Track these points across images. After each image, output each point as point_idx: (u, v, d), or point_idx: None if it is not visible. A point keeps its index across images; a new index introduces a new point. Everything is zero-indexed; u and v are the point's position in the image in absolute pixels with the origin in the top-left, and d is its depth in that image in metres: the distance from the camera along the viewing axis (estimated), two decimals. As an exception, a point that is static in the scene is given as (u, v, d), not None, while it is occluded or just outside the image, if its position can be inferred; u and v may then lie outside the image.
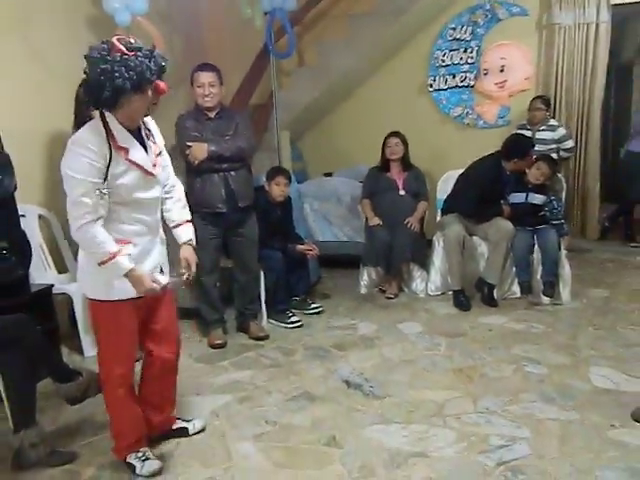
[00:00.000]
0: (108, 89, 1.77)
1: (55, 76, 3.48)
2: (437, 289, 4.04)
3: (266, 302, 3.65)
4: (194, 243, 2.24)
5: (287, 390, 2.75)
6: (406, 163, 4.17)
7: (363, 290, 4.16)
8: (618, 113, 7.02)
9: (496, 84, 5.07)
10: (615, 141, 6.74)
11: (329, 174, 5.31)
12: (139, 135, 1.99)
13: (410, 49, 5.32)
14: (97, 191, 1.82)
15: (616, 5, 4.71)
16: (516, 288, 3.85)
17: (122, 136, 1.90)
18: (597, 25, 4.74)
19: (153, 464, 2.12)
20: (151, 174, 1.98)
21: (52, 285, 3.13)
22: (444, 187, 4.35)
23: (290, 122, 5.06)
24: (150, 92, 1.87)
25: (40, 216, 3.36)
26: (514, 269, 3.81)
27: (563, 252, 3.76)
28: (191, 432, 2.37)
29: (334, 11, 5.36)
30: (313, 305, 3.81)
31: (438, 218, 4.22)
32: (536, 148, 4.00)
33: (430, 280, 4.05)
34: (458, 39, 5.15)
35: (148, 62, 1.81)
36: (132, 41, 1.83)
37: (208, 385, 2.85)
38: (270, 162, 4.14)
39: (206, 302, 3.38)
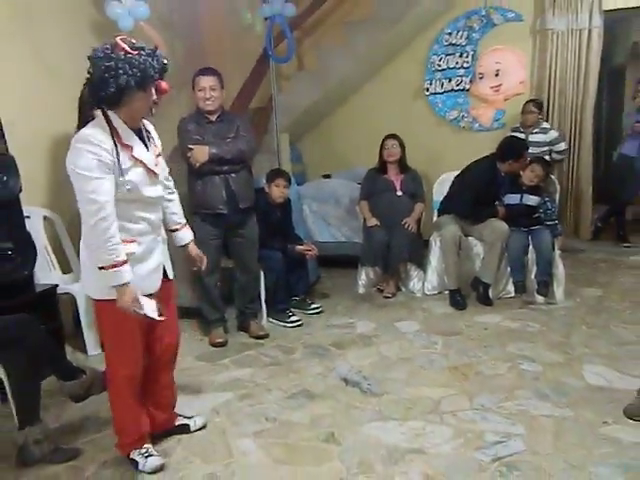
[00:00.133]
0: (112, 86, 1.77)
1: (59, 79, 3.48)
2: (434, 288, 4.04)
3: (266, 301, 3.65)
4: None
5: (287, 388, 2.75)
6: (403, 165, 4.17)
7: (361, 290, 4.15)
8: (610, 116, 7.02)
9: (491, 88, 5.07)
10: (607, 144, 6.74)
11: (328, 176, 5.31)
12: (140, 135, 1.99)
13: (407, 54, 5.32)
14: (107, 186, 1.80)
15: (608, 11, 4.71)
16: (511, 287, 3.85)
17: (126, 134, 1.90)
18: (589, 30, 4.74)
19: (155, 460, 2.11)
20: (154, 172, 1.98)
21: (56, 285, 3.13)
22: (440, 189, 4.35)
23: (289, 125, 5.05)
24: (153, 91, 1.87)
25: (45, 217, 3.35)
26: (509, 269, 3.81)
27: (557, 252, 3.76)
28: (192, 429, 2.37)
29: (333, 17, 5.36)
30: (313, 305, 3.81)
31: (434, 219, 4.22)
32: (529, 151, 4.00)
33: (427, 280, 4.04)
34: (454, 44, 5.15)
35: (151, 60, 1.81)
36: (134, 41, 1.83)
37: (209, 383, 2.85)
38: (270, 164, 4.14)
39: (207, 301, 3.38)
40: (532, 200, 3.84)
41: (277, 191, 3.63)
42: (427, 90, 5.31)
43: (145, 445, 2.15)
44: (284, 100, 4.84)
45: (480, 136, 5.13)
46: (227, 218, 3.20)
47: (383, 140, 4.16)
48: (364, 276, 4.15)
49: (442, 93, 5.27)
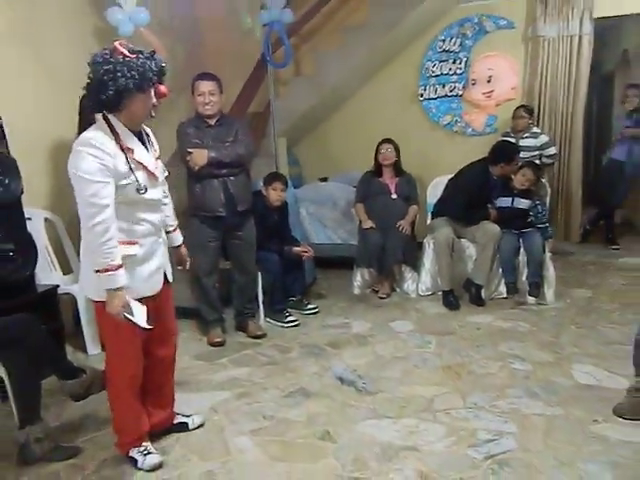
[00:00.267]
0: (111, 88, 1.77)
1: (61, 84, 3.47)
2: (427, 289, 4.04)
3: (263, 302, 3.65)
4: None
5: (283, 386, 2.74)
6: (398, 168, 4.18)
7: (357, 290, 4.15)
8: (600, 121, 7.05)
9: (484, 94, 5.08)
10: (597, 148, 6.76)
11: (324, 179, 5.31)
12: (141, 138, 1.99)
13: (401, 60, 5.33)
14: (108, 189, 1.80)
15: (598, 18, 4.73)
16: (503, 288, 3.86)
17: (127, 137, 1.90)
18: (580, 37, 4.75)
19: (154, 458, 2.11)
20: (154, 174, 1.98)
21: (57, 285, 3.12)
22: (434, 192, 4.35)
23: (287, 129, 5.05)
24: (152, 93, 1.87)
25: (46, 219, 3.34)
26: (501, 270, 3.82)
27: (547, 254, 3.77)
28: (190, 427, 2.37)
29: (329, 24, 5.36)
30: (309, 306, 3.81)
31: (428, 221, 4.22)
32: (520, 155, 4.01)
33: (421, 281, 4.05)
34: (447, 50, 5.16)
35: (149, 63, 1.81)
36: (132, 46, 1.83)
37: (207, 382, 2.84)
38: (268, 168, 4.14)
39: (206, 302, 3.37)
40: (523, 203, 3.85)
41: (274, 194, 3.63)
42: (421, 95, 5.32)
43: (144, 443, 2.14)
44: (282, 105, 4.83)
45: (473, 140, 5.14)
46: (225, 220, 3.20)
47: (378, 144, 4.17)
48: (359, 277, 4.15)
49: (436, 98, 5.28)
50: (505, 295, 3.84)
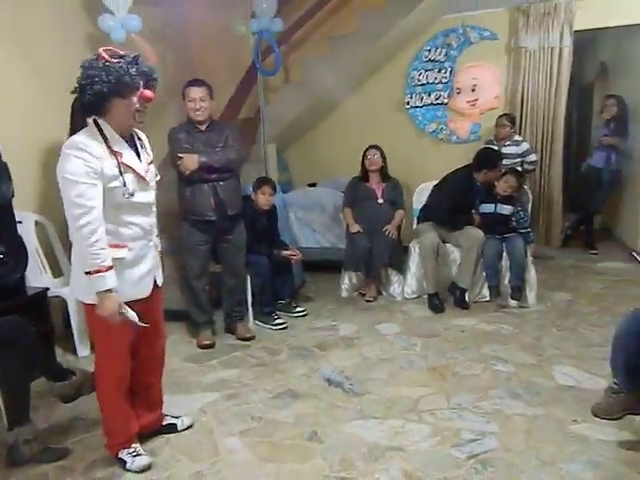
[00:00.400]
0: (89, 92, 1.78)
1: (52, 89, 3.43)
2: (413, 293, 4.05)
3: (252, 305, 3.63)
4: None
5: (272, 388, 2.73)
6: (384, 174, 4.19)
7: (344, 293, 4.16)
8: (580, 130, 7.14)
9: (468, 102, 5.13)
10: (577, 156, 6.84)
11: (313, 184, 5.31)
12: (132, 143, 1.97)
13: (388, 69, 5.35)
14: (94, 191, 1.79)
15: (578, 31, 4.79)
16: (486, 292, 3.88)
17: (115, 141, 1.89)
18: (560, 49, 4.81)
19: (143, 459, 2.09)
20: (144, 178, 1.96)
21: (47, 288, 3.08)
22: (419, 197, 4.38)
23: (276, 135, 5.05)
24: (135, 98, 1.85)
25: (36, 222, 3.30)
26: (484, 274, 3.84)
27: (529, 259, 3.80)
28: (180, 428, 2.35)
29: (318, 33, 5.37)
30: (298, 308, 3.79)
31: (414, 226, 4.24)
32: (503, 162, 4.05)
33: (407, 284, 4.06)
34: (433, 60, 5.20)
35: (129, 68, 1.80)
36: (120, 52, 1.83)
37: (197, 383, 2.82)
38: (257, 173, 4.12)
39: (196, 305, 3.35)
40: (506, 209, 3.88)
41: (263, 198, 3.62)
42: (407, 104, 5.35)
43: (133, 445, 2.12)
44: (271, 111, 4.83)
45: (457, 148, 5.17)
46: (215, 224, 3.19)
47: (365, 150, 4.18)
48: (347, 280, 4.15)
49: (422, 107, 5.32)
50: (488, 298, 3.87)
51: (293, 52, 5.47)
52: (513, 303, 3.73)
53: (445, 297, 3.87)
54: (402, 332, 3.41)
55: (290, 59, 5.45)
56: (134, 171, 1.92)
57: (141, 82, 1.86)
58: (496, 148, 4.46)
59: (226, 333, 3.49)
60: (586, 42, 5.75)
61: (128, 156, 1.91)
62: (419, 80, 5.28)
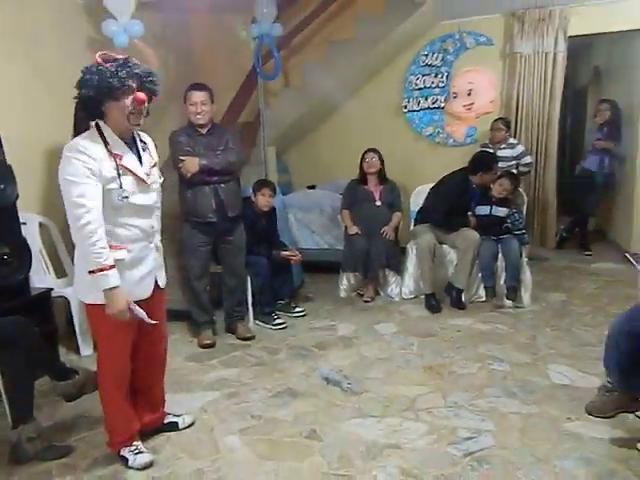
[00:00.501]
0: (84, 97, 1.80)
1: (56, 93, 3.43)
2: (410, 293, 4.06)
3: (253, 305, 3.63)
4: None
5: (271, 387, 2.73)
6: (382, 177, 4.20)
7: (342, 294, 4.16)
8: (574, 134, 7.15)
9: (464, 106, 5.14)
10: (571, 159, 6.85)
11: (312, 187, 5.32)
12: (134, 146, 1.97)
13: (386, 73, 5.37)
14: (95, 192, 1.79)
15: (572, 36, 4.81)
16: (482, 292, 3.88)
17: (116, 144, 1.89)
18: (555, 54, 4.83)
19: (145, 457, 2.09)
20: (144, 181, 1.96)
21: (51, 289, 3.08)
22: (416, 200, 4.38)
23: (276, 138, 5.06)
24: (127, 101, 1.84)
25: (40, 224, 3.31)
26: (480, 275, 3.84)
27: (524, 260, 3.80)
28: (181, 426, 2.35)
29: (317, 37, 5.38)
30: (297, 308, 3.79)
31: (411, 228, 4.24)
32: (498, 165, 4.05)
33: (404, 285, 4.06)
34: (430, 65, 5.22)
35: (118, 71, 1.80)
36: (115, 55, 1.84)
37: (197, 382, 2.82)
38: (257, 175, 4.13)
39: (197, 305, 3.35)
40: (501, 211, 3.89)
41: (263, 200, 3.62)
42: (405, 107, 5.37)
43: (135, 442, 2.12)
44: (271, 115, 4.84)
45: (454, 151, 5.19)
46: (216, 226, 3.19)
47: (363, 153, 4.19)
48: (345, 281, 4.16)
49: (419, 110, 5.33)
50: (484, 298, 3.87)
51: (293, 57, 5.48)
52: (508, 303, 3.73)
53: (442, 297, 3.87)
54: (399, 332, 3.41)
55: (290, 64, 5.47)
56: (133, 173, 1.92)
57: (134, 84, 1.84)
58: (492, 151, 4.47)
59: (227, 333, 3.49)
60: (580, 47, 5.76)
61: (128, 159, 1.91)
62: (416, 84, 5.29)
